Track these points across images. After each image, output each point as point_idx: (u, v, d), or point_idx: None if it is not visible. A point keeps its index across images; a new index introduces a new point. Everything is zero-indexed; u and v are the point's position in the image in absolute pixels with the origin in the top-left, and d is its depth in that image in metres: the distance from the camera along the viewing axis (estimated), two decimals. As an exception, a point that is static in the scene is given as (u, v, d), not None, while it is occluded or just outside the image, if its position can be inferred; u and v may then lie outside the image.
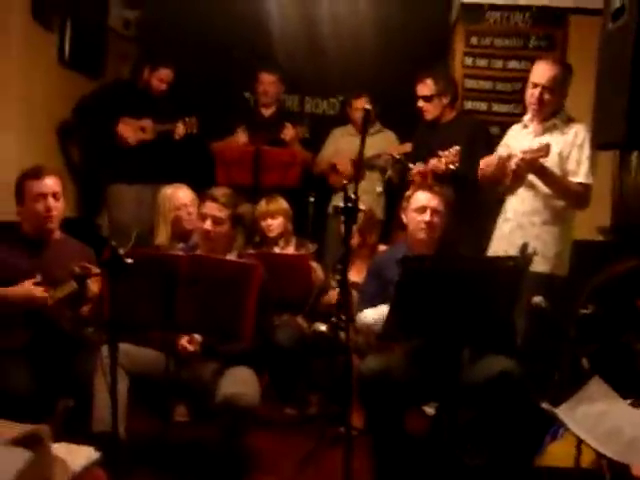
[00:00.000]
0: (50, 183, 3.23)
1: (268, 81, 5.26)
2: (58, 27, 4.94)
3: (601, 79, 2.78)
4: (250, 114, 5.32)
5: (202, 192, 3.52)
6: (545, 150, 3.41)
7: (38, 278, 3.10)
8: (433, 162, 4.08)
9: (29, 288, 3.08)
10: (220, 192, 3.39)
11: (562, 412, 2.49)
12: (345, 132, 5.31)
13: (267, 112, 5.32)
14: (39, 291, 3.08)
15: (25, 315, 3.10)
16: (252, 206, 4.41)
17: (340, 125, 5.40)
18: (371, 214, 4.37)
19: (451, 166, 3.97)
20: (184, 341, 3.17)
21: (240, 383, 3.05)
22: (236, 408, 2.93)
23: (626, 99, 2.43)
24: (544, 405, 2.55)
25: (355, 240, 4.18)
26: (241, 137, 5.08)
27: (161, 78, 5.03)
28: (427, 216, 3.29)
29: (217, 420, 3.03)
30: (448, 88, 4.45)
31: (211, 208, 3.32)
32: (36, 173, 3.22)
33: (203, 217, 3.33)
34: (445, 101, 4.43)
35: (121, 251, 2.46)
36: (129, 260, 2.42)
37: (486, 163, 3.75)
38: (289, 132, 5.07)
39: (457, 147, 3.97)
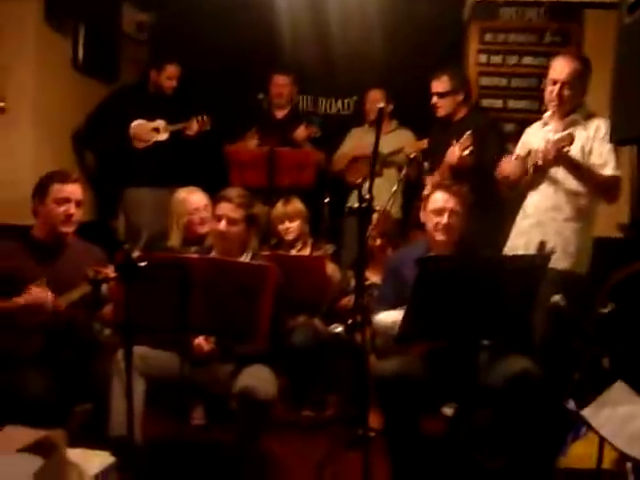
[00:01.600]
0: (76, 190, 3.24)
1: (281, 83, 5.26)
2: (71, 31, 4.96)
3: (618, 74, 2.73)
4: (263, 116, 5.31)
5: (216, 193, 3.50)
6: (568, 139, 3.35)
7: (42, 282, 3.09)
8: (449, 152, 4.06)
9: (36, 295, 3.06)
10: (234, 192, 3.37)
11: (588, 413, 2.45)
12: (363, 132, 5.31)
13: (280, 114, 5.32)
14: (47, 296, 3.06)
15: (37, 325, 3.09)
16: (267, 208, 4.40)
17: (354, 125, 5.41)
18: (389, 215, 4.33)
19: (466, 152, 3.95)
20: (200, 340, 3.15)
21: (257, 377, 3.03)
22: (253, 399, 2.90)
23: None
24: (569, 406, 2.51)
25: (377, 242, 4.15)
26: (251, 141, 5.08)
27: (169, 75, 5.06)
28: (445, 218, 3.25)
29: (234, 416, 3.00)
30: (462, 86, 4.46)
31: (225, 209, 3.30)
32: (64, 177, 3.23)
33: (218, 218, 3.31)
34: (459, 98, 4.44)
35: (135, 254, 2.46)
36: (143, 263, 2.41)
37: (503, 163, 3.72)
38: (301, 132, 5.07)
39: (468, 132, 3.96)
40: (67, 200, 3.20)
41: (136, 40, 5.89)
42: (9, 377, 2.93)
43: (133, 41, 5.86)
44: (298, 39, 5.58)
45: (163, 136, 4.97)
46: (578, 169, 3.49)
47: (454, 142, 4.04)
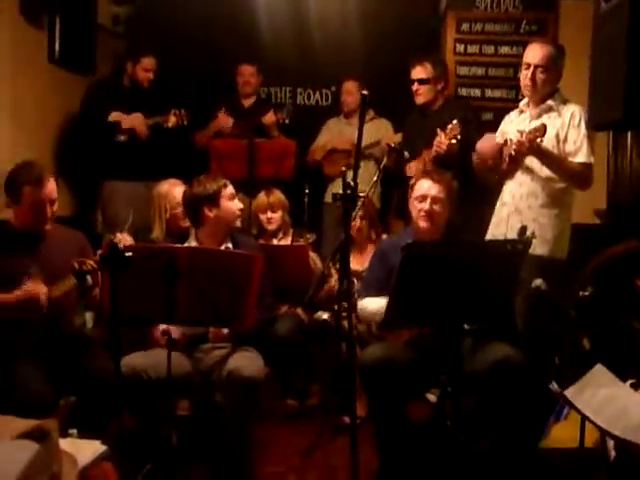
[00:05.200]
0: (51, 190, 3.17)
1: (248, 72, 5.32)
2: (47, 25, 4.91)
3: (596, 60, 2.78)
4: (231, 104, 5.32)
5: None
6: (541, 130, 3.39)
7: (35, 275, 3.07)
8: (436, 141, 4.07)
9: (31, 289, 3.03)
10: None
11: (570, 394, 2.50)
12: (339, 122, 5.36)
13: (247, 102, 5.37)
14: (42, 290, 3.04)
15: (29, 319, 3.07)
16: (247, 199, 4.41)
17: (333, 115, 5.43)
18: (371, 202, 4.39)
19: (453, 140, 3.96)
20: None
21: (244, 359, 3.10)
22: (240, 379, 2.96)
23: (622, 79, 2.42)
24: (552, 387, 2.55)
25: (361, 228, 4.21)
26: (223, 119, 5.14)
27: (145, 68, 5.05)
28: (427, 205, 3.28)
29: (224, 396, 3.02)
30: (443, 74, 4.48)
31: None
32: (38, 180, 3.12)
33: None
34: (439, 87, 4.44)
35: (120, 245, 2.46)
36: (129, 253, 2.41)
37: (482, 145, 3.75)
38: (269, 118, 5.10)
39: (455, 121, 3.98)
40: (42, 202, 3.14)
41: (112, 33, 5.85)
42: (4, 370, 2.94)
43: (109, 34, 5.81)
44: (276, 31, 5.58)
45: (142, 129, 4.94)
46: (550, 159, 3.53)
47: (439, 131, 4.04)
